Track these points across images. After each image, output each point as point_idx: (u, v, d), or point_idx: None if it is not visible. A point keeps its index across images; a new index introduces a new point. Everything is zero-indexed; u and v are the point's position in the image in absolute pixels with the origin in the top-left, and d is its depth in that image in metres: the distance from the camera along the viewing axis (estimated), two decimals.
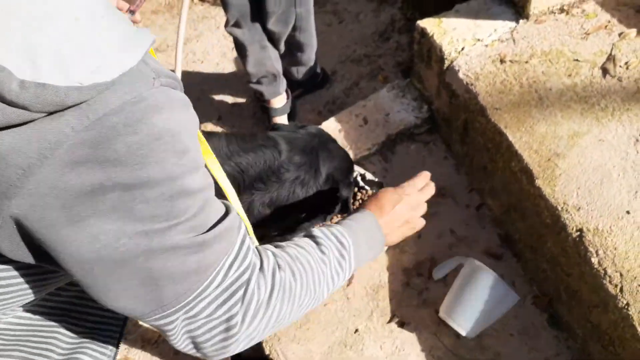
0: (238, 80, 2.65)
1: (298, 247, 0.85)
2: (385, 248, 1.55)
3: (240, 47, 2.14)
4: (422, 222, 1.08)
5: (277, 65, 2.23)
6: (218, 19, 2.94)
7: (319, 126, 1.85)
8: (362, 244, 0.93)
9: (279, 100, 2.35)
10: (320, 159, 1.41)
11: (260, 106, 2.44)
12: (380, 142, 2.04)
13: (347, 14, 2.82)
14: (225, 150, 1.32)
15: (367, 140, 2.05)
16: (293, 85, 2.43)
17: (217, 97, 2.64)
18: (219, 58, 2.79)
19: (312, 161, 1.40)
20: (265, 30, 2.08)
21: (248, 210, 1.32)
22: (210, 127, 2.55)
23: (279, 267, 0.78)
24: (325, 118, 2.44)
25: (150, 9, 3.10)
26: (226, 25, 2.08)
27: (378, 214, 0.99)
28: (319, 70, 2.48)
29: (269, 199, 1.34)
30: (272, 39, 2.14)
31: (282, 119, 2.38)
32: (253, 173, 1.30)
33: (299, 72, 2.38)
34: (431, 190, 1.10)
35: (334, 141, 1.51)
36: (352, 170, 1.54)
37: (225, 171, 1.25)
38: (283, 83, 2.31)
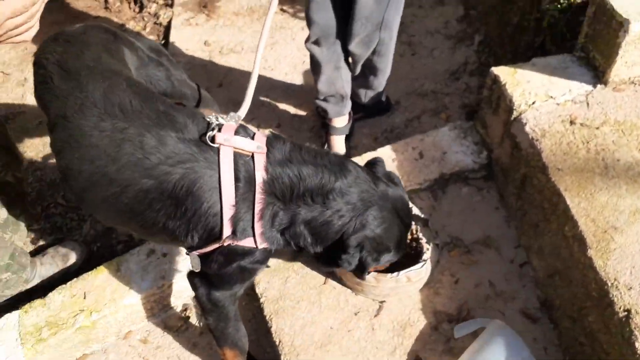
0: (304, 93, 2.69)
1: None
2: None
3: (315, 65, 2.17)
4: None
5: (347, 87, 2.25)
6: (295, 30, 3.00)
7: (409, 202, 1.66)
8: None
9: (341, 121, 2.37)
10: (370, 218, 1.32)
11: (322, 123, 2.46)
12: (432, 179, 2.03)
13: (421, 48, 2.83)
14: (286, 154, 1.32)
15: (420, 175, 2.04)
16: (356, 107, 2.45)
17: (280, 106, 2.69)
18: (288, 68, 2.84)
19: (362, 213, 1.32)
20: (345, 51, 2.11)
21: (290, 222, 1.31)
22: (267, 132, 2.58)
23: None
24: (381, 145, 2.44)
25: (232, 10, 3.19)
26: (307, 41, 2.12)
27: None
28: (384, 97, 2.49)
29: (310, 217, 1.30)
30: (350, 60, 2.17)
31: (339, 139, 2.40)
32: (307, 185, 1.29)
33: (366, 95, 2.39)
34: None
35: (403, 216, 1.40)
36: (385, 252, 1.38)
37: (286, 174, 1.28)
38: (349, 105, 2.33)
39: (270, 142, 1.33)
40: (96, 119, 1.29)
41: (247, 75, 2.87)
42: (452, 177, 2.01)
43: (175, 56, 2.96)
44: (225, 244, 1.29)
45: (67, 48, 1.46)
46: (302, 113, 2.65)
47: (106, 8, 3.39)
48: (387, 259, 1.40)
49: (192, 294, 1.57)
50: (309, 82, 2.71)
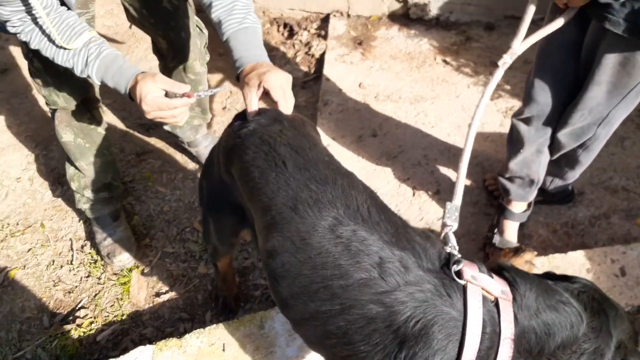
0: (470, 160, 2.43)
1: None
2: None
3: (515, 142, 1.92)
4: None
5: (541, 173, 1.98)
6: (459, 87, 2.76)
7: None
8: (108, 81, 1.44)
9: (521, 206, 2.09)
10: (610, 319, 1.12)
11: (498, 204, 2.19)
12: (637, 305, 1.73)
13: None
14: (534, 301, 1.08)
15: (621, 297, 1.74)
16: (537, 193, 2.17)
17: (441, 169, 2.44)
18: (451, 129, 2.59)
19: (602, 324, 1.11)
20: (552, 136, 1.85)
21: None
22: (424, 197, 2.34)
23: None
24: (561, 240, 2.15)
25: (389, 53, 2.98)
26: (516, 115, 1.89)
27: (142, 83, 1.38)
28: (570, 186, 2.20)
29: None
30: (552, 146, 1.91)
31: (513, 226, 2.12)
32: (558, 339, 1.05)
33: (553, 183, 2.11)
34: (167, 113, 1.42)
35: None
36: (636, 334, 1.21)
37: (532, 328, 1.04)
38: (535, 192, 2.05)
39: (512, 284, 1.10)
40: (333, 221, 1.09)
41: (403, 127, 2.67)
42: None
43: (328, 94, 2.77)
44: None
45: (296, 135, 1.27)
46: (466, 182, 2.39)
47: None
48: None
49: None
50: (476, 149, 2.45)
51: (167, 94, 1.40)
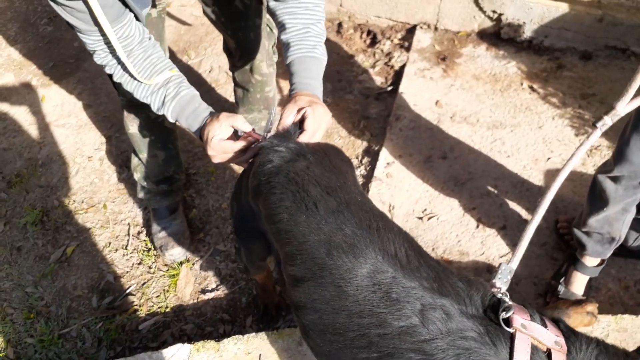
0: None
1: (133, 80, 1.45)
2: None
3: (598, 199, 1.75)
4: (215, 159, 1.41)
5: (624, 232, 1.80)
6: (543, 117, 2.57)
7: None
8: (182, 122, 1.44)
9: (595, 261, 1.92)
10: None
11: (569, 253, 2.02)
12: None
13: None
14: (592, 357, 1.00)
15: None
16: None
17: (510, 203, 2.28)
18: (528, 161, 2.42)
19: None
20: None
21: None
22: (489, 231, 2.20)
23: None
24: (633, 299, 1.96)
25: (473, 72, 2.84)
26: (602, 172, 1.73)
27: (209, 126, 1.37)
28: None
29: None
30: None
31: (583, 279, 1.94)
32: None
33: (635, 240, 1.92)
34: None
35: None
36: None
37: None
38: (613, 249, 1.87)
39: (568, 336, 1.03)
40: (370, 268, 1.04)
41: (477, 152, 2.52)
42: None
43: (402, 109, 2.68)
44: None
45: (324, 172, 1.21)
46: (539, 220, 2.22)
47: (338, 32, 3.20)
48: None
49: None
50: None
51: (235, 133, 1.38)
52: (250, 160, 1.39)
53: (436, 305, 1.00)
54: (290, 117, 1.32)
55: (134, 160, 2.16)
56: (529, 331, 0.99)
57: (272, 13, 1.46)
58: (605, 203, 1.72)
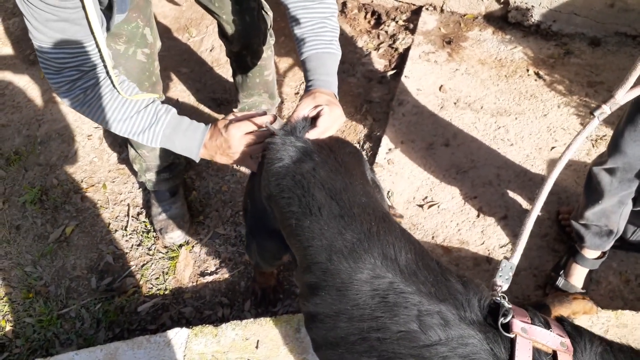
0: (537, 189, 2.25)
1: (114, 102, 1.31)
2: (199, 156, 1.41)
3: (594, 191, 1.74)
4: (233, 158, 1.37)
5: (622, 224, 1.79)
6: (549, 105, 2.54)
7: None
8: (176, 139, 1.34)
9: (594, 254, 1.91)
10: None
11: (569, 245, 2.01)
12: None
13: None
14: (598, 357, 1.00)
15: None
16: None
17: (510, 193, 2.27)
18: (531, 150, 2.40)
19: None
20: (639, 190, 1.67)
21: None
22: (489, 220, 2.19)
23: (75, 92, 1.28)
24: (633, 293, 1.96)
25: (478, 57, 2.79)
26: (597, 164, 1.72)
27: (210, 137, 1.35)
28: None
29: None
30: (638, 199, 1.71)
31: (582, 271, 1.94)
32: None
33: (636, 235, 1.91)
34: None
35: None
36: None
37: None
38: (613, 242, 1.86)
39: (573, 336, 1.02)
40: (369, 273, 1.04)
41: (480, 140, 2.49)
42: None
43: (405, 93, 2.64)
44: None
45: (330, 173, 1.20)
46: (538, 213, 2.21)
47: (342, 12, 3.14)
48: None
49: None
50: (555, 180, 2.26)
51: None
52: (259, 160, 1.38)
53: (433, 312, 0.99)
54: (304, 111, 1.30)
55: (131, 152, 2.12)
56: (530, 335, 0.99)
57: (284, 6, 1.42)
58: (601, 195, 1.71)
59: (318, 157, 1.22)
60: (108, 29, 1.34)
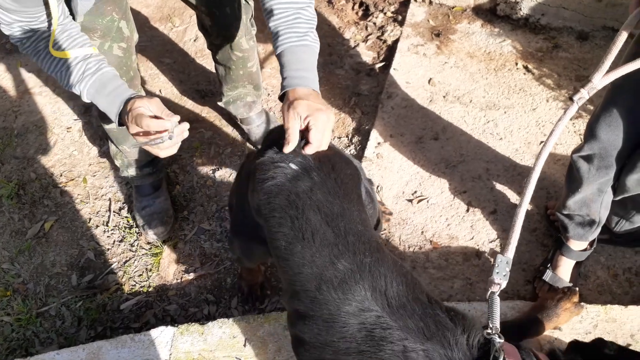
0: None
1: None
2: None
3: (574, 179, 1.74)
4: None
5: (604, 214, 1.79)
6: (537, 99, 2.53)
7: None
8: (99, 100, 1.35)
9: (581, 245, 1.90)
10: None
11: (556, 237, 2.00)
12: None
13: None
14: None
15: None
16: (601, 230, 1.96)
17: (499, 187, 2.25)
18: (520, 144, 2.38)
19: None
20: (617, 178, 1.66)
21: None
22: (479, 215, 2.17)
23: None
24: (621, 287, 1.96)
25: (467, 50, 2.76)
26: (575, 152, 1.71)
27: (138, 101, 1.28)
28: None
29: None
30: (618, 188, 1.71)
31: (569, 263, 1.94)
32: None
33: (619, 225, 1.91)
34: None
35: None
36: None
37: None
38: (597, 232, 1.86)
39: None
40: (358, 306, 1.02)
41: (469, 134, 2.45)
42: None
43: (394, 86, 2.60)
44: None
45: (328, 195, 1.15)
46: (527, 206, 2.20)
47: (329, 3, 3.09)
48: None
49: None
50: (544, 171, 2.25)
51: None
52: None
53: (418, 349, 0.97)
54: (296, 136, 1.22)
55: (112, 148, 2.05)
56: None
57: None
58: (580, 183, 1.71)
59: (317, 175, 1.17)
60: (72, 14, 1.37)
